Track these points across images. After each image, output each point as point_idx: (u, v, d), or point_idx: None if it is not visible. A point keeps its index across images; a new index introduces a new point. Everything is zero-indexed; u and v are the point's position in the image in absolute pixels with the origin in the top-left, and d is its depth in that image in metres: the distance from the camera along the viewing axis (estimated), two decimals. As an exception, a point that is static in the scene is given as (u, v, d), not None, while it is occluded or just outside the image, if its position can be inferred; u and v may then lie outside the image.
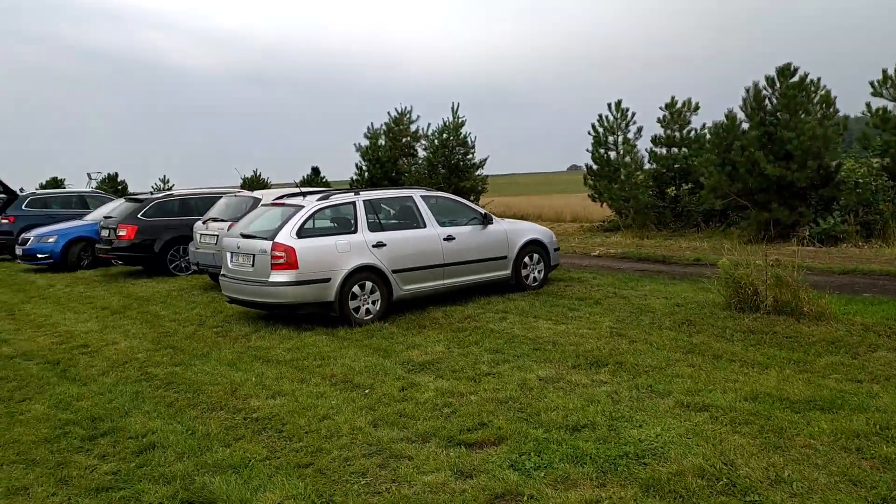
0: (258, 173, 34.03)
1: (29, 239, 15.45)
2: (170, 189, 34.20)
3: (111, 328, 9.07)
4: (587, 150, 20.90)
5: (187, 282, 12.68)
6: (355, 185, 25.43)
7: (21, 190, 19.51)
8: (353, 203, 8.83)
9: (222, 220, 11.34)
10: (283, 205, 9.07)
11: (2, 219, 17.63)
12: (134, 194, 16.81)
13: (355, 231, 8.64)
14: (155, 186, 35.74)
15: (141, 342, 8.15)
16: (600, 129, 20.56)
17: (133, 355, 7.54)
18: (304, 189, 10.29)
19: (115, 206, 15.29)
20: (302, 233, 8.32)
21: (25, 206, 18.00)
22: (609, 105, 20.39)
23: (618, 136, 20.38)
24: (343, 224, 8.83)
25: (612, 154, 20.45)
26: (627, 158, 20.01)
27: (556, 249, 10.56)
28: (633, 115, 20.18)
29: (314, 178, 31.03)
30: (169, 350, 7.69)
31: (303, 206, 8.62)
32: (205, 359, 7.20)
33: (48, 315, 10.21)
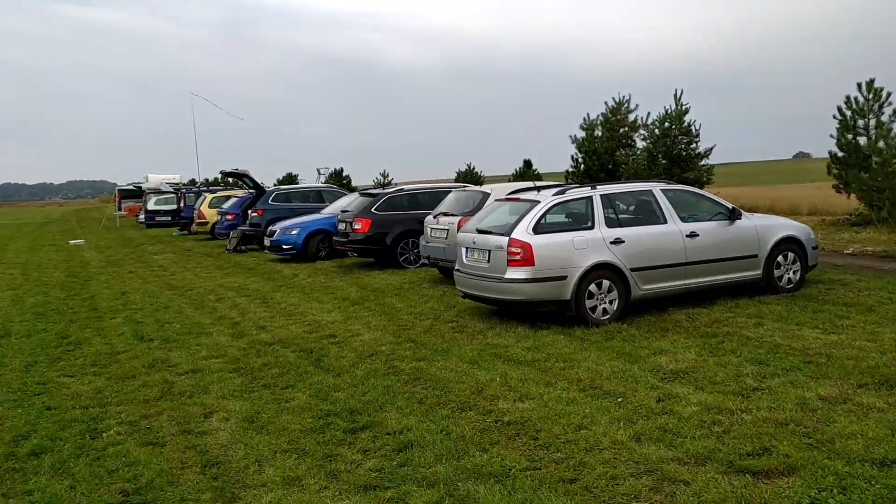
0: (472, 167, 34.68)
1: (275, 231, 16.79)
2: (389, 182, 35.87)
3: (353, 319, 9.48)
4: (830, 136, 18.82)
5: (416, 275, 13.03)
6: (571, 178, 24.96)
7: (263, 185, 21.27)
8: (590, 198, 8.48)
9: (452, 215, 11.48)
10: (517, 200, 8.94)
11: (252, 212, 19.37)
12: (367, 189, 17.64)
13: (592, 227, 8.28)
14: (376, 180, 37.62)
15: (382, 334, 8.41)
16: (848, 113, 18.40)
17: (377, 347, 7.78)
18: (538, 183, 10.11)
19: (351, 201, 16.16)
20: (538, 229, 8.12)
21: (271, 201, 19.65)
22: (859, 85, 18.21)
23: (869, 119, 18.15)
24: (579, 219, 8.52)
25: (863, 139, 18.29)
26: (881, 144, 17.76)
27: (815, 248, 9.48)
28: (889, 95, 17.89)
29: (526, 171, 30.89)
30: (410, 344, 7.83)
31: (538, 202, 8.42)
32: (446, 355, 7.24)
33: (296, 304, 10.93)
